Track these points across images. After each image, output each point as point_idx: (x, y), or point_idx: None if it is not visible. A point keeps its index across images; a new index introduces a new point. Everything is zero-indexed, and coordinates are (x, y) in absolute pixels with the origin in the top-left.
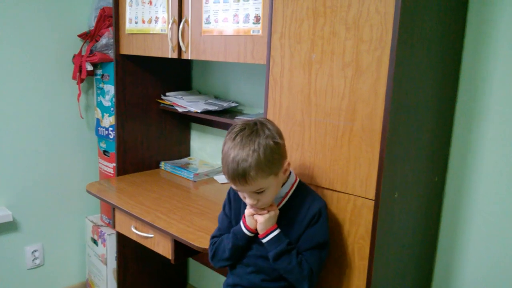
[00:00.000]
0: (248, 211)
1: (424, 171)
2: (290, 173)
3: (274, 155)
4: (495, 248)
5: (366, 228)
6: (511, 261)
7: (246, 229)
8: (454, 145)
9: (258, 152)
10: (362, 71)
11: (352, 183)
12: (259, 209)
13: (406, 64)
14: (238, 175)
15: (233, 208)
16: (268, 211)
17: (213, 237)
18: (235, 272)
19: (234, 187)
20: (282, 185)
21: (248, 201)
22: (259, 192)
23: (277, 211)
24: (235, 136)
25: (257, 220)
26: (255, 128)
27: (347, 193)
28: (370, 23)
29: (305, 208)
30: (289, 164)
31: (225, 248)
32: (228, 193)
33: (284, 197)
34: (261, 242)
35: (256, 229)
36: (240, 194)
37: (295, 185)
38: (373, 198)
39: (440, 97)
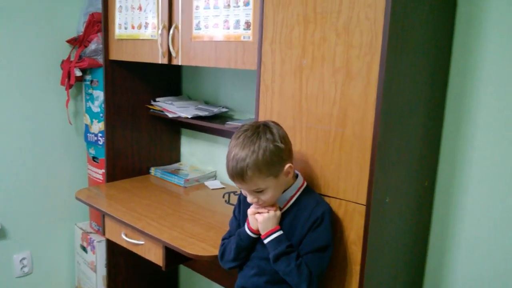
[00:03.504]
0: (250, 210)
1: (415, 176)
2: (297, 176)
3: (273, 158)
4: (485, 251)
5: (358, 233)
6: (501, 264)
7: (249, 229)
8: (444, 149)
9: (257, 153)
10: (352, 77)
11: (343, 188)
12: (261, 208)
13: (396, 69)
14: (236, 173)
15: (242, 210)
16: (269, 211)
17: (223, 239)
18: (241, 274)
19: (234, 183)
20: (288, 188)
21: (248, 198)
22: (258, 191)
23: (278, 213)
24: (239, 136)
25: (257, 219)
26: (257, 130)
27: (338, 198)
28: (360, 29)
29: (308, 212)
30: (291, 167)
31: (231, 249)
32: (239, 197)
33: (289, 200)
34: (265, 243)
35: (258, 230)
36: (243, 192)
37: (301, 189)
38: (365, 203)
39: (430, 102)
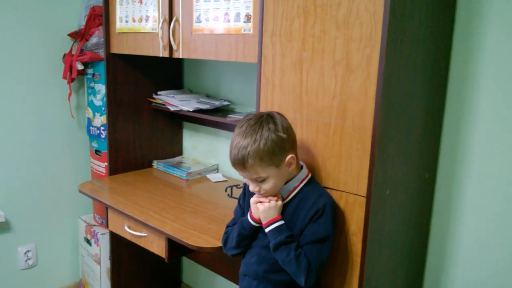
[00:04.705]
0: (252, 199)
1: (415, 168)
2: (302, 168)
3: (274, 147)
4: (486, 244)
5: (358, 224)
6: (501, 256)
7: (251, 218)
8: (444, 141)
9: (258, 142)
10: (352, 70)
11: (343, 180)
12: (263, 197)
13: (395, 62)
14: (238, 160)
15: (247, 199)
16: (270, 201)
17: (227, 226)
18: (244, 261)
19: (236, 171)
20: (292, 179)
21: (250, 187)
22: (260, 180)
23: (280, 203)
24: (243, 124)
25: (258, 208)
26: (260, 120)
27: (339, 190)
28: (360, 22)
29: (310, 203)
30: (293, 158)
31: (233, 236)
32: (244, 186)
33: (292, 191)
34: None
35: (260, 220)
36: (246, 181)
37: (305, 180)
38: (365, 195)
39: (430, 94)
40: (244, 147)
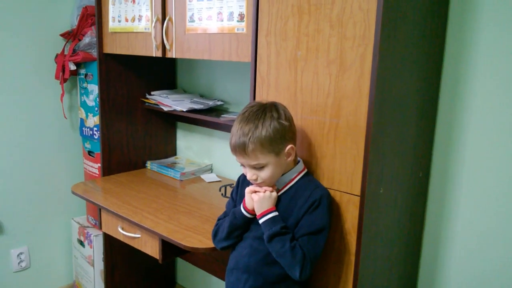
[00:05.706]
0: (248, 188)
1: (409, 167)
2: (299, 161)
3: (276, 134)
4: (479, 241)
5: (352, 223)
6: (495, 253)
7: (244, 208)
8: (438, 140)
9: (260, 128)
10: (346, 68)
11: (338, 179)
12: (258, 188)
13: (389, 60)
14: (239, 145)
15: (240, 192)
16: (265, 191)
17: (218, 219)
18: (234, 254)
19: (235, 157)
20: (288, 171)
21: (248, 175)
22: (258, 167)
23: (275, 194)
24: (245, 111)
25: (253, 198)
26: (264, 107)
27: (333, 189)
28: (354, 20)
29: (306, 195)
30: (292, 148)
31: (224, 227)
32: (238, 179)
33: (288, 183)
34: (259, 223)
35: (253, 210)
36: (243, 169)
37: (301, 174)
38: (359, 194)
39: (424, 93)
40: (246, 132)
